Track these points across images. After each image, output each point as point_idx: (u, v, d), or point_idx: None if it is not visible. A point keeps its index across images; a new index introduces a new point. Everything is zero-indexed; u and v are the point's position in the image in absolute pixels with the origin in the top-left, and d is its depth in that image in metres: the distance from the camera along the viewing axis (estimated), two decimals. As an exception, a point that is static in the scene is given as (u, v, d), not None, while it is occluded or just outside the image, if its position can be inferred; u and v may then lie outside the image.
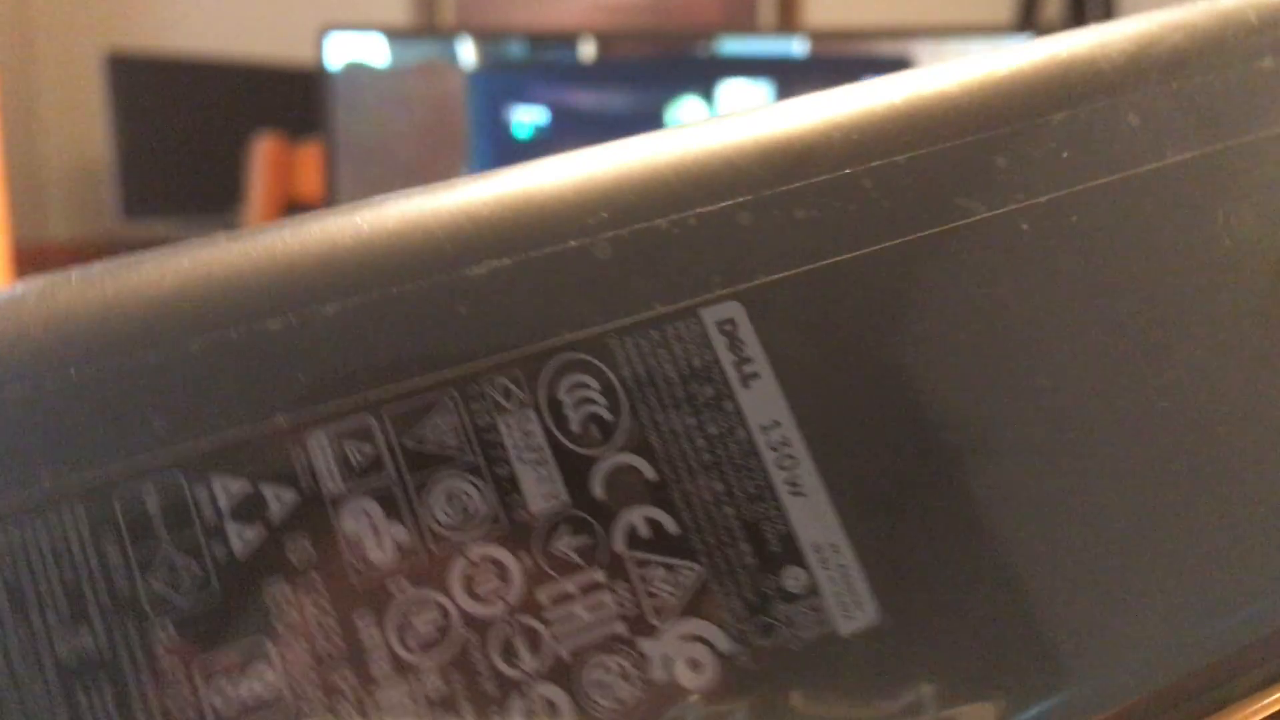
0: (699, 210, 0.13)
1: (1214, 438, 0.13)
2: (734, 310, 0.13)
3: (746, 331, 0.13)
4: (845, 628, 0.12)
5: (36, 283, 0.12)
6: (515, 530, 0.12)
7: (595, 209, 0.13)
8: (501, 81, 0.73)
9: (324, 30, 0.80)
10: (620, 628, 0.12)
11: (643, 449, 0.12)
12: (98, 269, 0.13)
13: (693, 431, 0.12)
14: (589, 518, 0.12)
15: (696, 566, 0.12)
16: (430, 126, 0.77)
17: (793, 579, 0.12)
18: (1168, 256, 0.14)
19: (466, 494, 0.12)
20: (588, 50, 0.69)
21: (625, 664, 0.12)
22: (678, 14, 2.04)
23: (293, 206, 1.17)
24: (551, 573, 0.12)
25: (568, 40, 0.70)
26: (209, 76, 2.14)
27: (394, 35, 0.81)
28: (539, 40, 0.70)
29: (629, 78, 0.68)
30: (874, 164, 0.13)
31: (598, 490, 0.12)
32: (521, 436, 0.12)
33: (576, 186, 0.13)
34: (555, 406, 0.12)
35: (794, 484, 0.12)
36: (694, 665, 0.12)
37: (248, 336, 0.12)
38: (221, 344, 0.11)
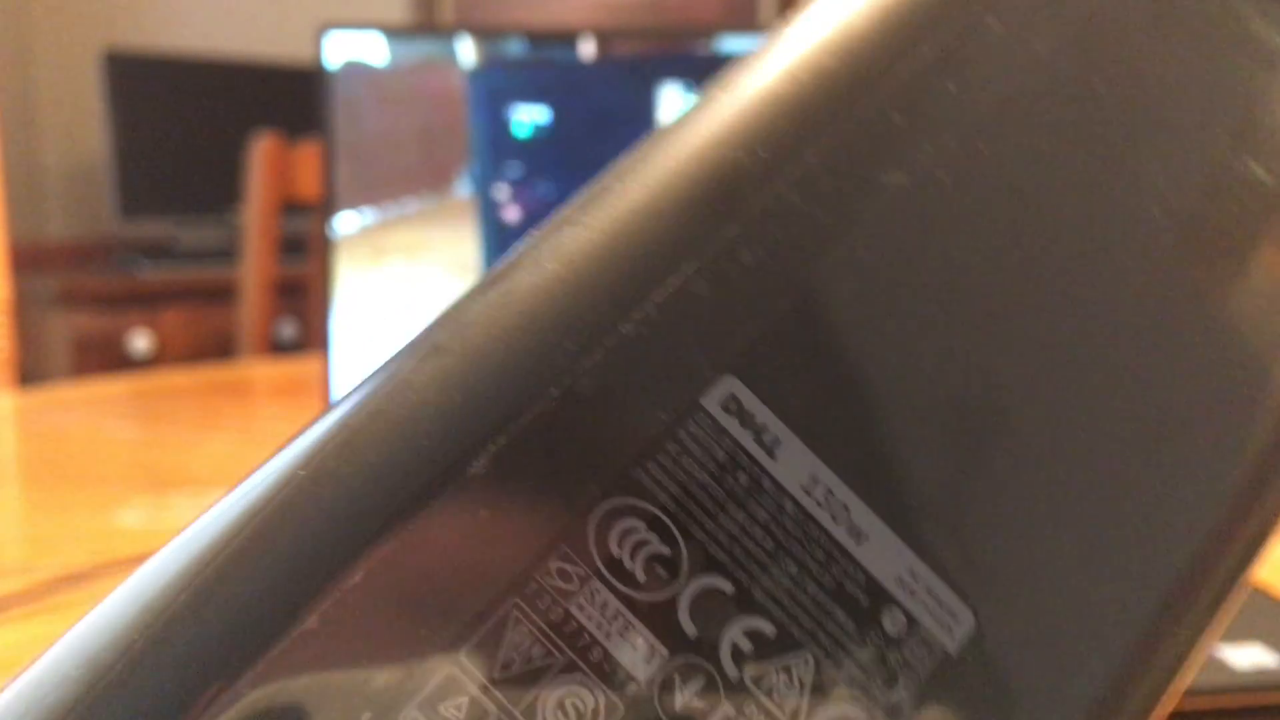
0: (656, 300, 0.13)
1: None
2: (731, 386, 0.13)
3: (751, 402, 0.13)
4: (953, 645, 0.12)
5: None
6: (633, 705, 0.12)
7: (559, 347, 0.12)
8: (501, 80, 0.73)
9: (322, 29, 0.80)
10: None
11: (712, 566, 0.12)
12: None
13: (748, 526, 0.12)
14: (694, 658, 0.12)
15: (806, 654, 0.12)
16: (430, 125, 0.77)
17: (891, 622, 0.12)
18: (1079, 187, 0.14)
19: (575, 695, 0.12)
20: (587, 48, 0.69)
21: None
22: (677, 12, 2.04)
23: (291, 206, 1.17)
24: None
25: (567, 38, 0.70)
26: (207, 75, 2.14)
27: (393, 34, 0.81)
28: (538, 38, 0.70)
29: (629, 76, 0.68)
30: (792, 174, 0.13)
31: (690, 628, 0.12)
32: (598, 612, 0.12)
33: (535, 330, 0.13)
34: (615, 565, 0.12)
35: (854, 530, 0.12)
36: None
37: None
38: None
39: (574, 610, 0.12)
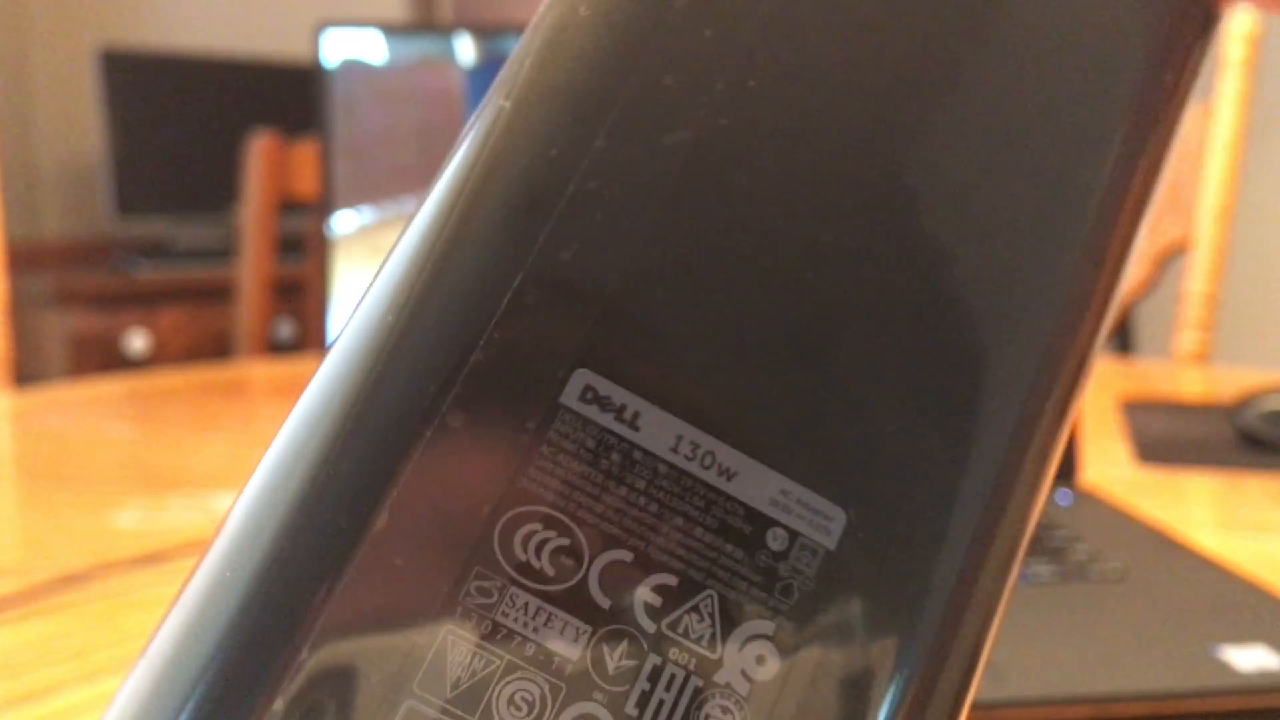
0: (494, 321, 0.14)
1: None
2: (584, 378, 0.14)
3: (605, 386, 0.14)
4: (832, 542, 0.14)
5: None
6: (574, 681, 0.13)
7: (422, 393, 0.13)
8: (500, 78, 0.73)
9: (320, 27, 0.80)
10: (697, 681, 0.13)
11: (609, 542, 0.13)
12: None
13: (631, 497, 0.14)
14: (614, 625, 0.13)
15: (709, 592, 0.14)
16: (428, 123, 0.77)
17: (775, 540, 0.14)
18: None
19: (522, 690, 0.13)
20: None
21: (721, 702, 0.13)
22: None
23: (289, 205, 1.17)
24: (621, 689, 0.13)
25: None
26: (204, 73, 2.14)
27: (391, 32, 0.81)
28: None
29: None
30: (584, 162, 0.14)
31: (603, 601, 0.13)
32: (521, 613, 0.13)
33: (395, 384, 0.13)
34: (525, 568, 0.13)
35: (724, 471, 0.14)
36: (760, 660, 0.14)
37: None
38: None
39: (500, 619, 0.13)
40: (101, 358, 1.89)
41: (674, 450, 0.14)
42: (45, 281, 1.92)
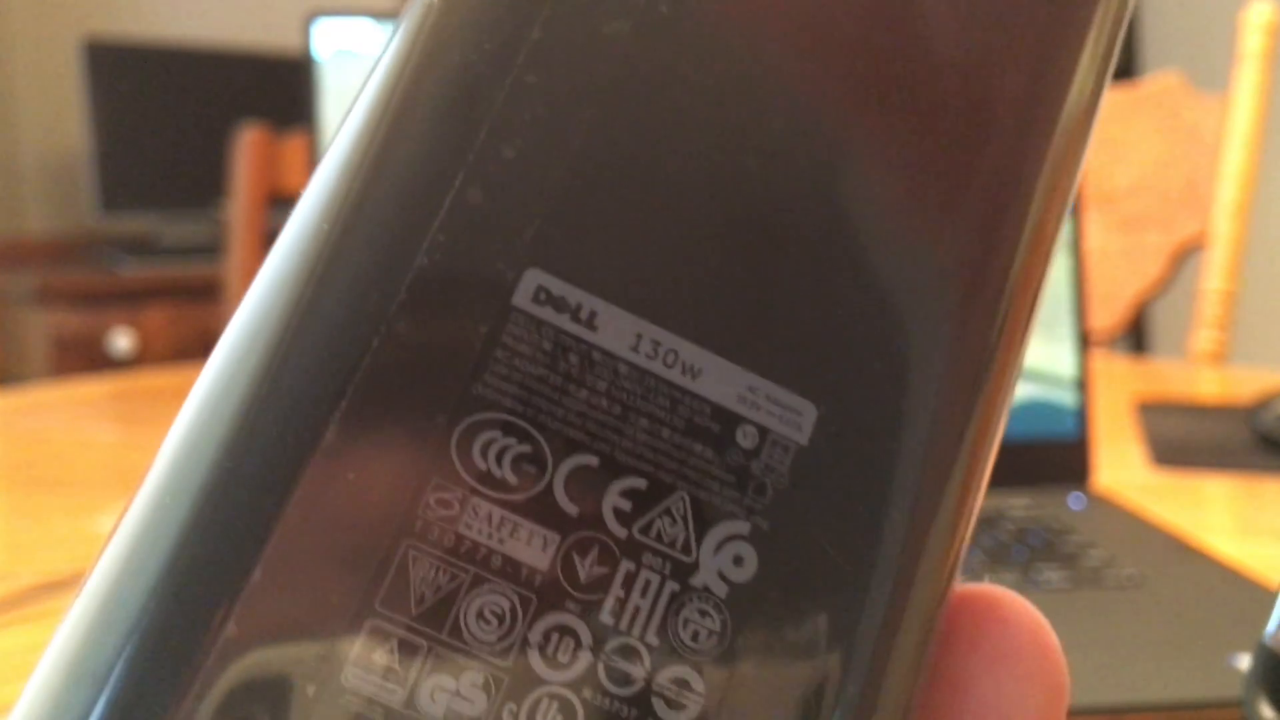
0: (437, 224, 0.13)
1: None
2: (536, 278, 0.13)
3: (558, 286, 0.14)
4: (804, 437, 0.14)
5: None
6: (544, 591, 0.13)
7: (366, 299, 0.13)
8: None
9: (310, 16, 0.80)
10: (673, 586, 0.13)
11: (572, 447, 0.13)
12: None
13: (592, 400, 0.13)
14: (583, 532, 0.13)
15: (680, 493, 0.14)
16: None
17: (745, 437, 0.14)
18: None
19: (491, 603, 0.13)
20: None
21: (699, 605, 0.13)
22: None
23: (278, 200, 1.17)
24: (596, 597, 0.13)
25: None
26: (191, 64, 2.14)
27: (383, 21, 0.81)
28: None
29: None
30: (520, 55, 0.14)
31: (570, 508, 0.13)
32: (484, 524, 0.13)
33: (337, 292, 0.13)
34: (486, 478, 0.13)
35: (688, 368, 0.14)
36: (738, 561, 0.14)
37: None
38: None
39: (463, 530, 0.13)
40: (85, 358, 1.89)
41: (634, 349, 0.14)
42: (27, 279, 1.92)
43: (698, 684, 0.13)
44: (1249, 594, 0.39)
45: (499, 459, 0.13)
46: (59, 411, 0.79)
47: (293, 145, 1.16)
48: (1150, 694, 0.31)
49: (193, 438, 0.13)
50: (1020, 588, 0.41)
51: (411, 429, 0.13)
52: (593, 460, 0.13)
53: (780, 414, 0.14)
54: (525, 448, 0.13)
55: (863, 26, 0.15)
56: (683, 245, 0.14)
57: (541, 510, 0.13)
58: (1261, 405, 0.65)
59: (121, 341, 1.94)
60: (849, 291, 0.14)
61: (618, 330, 0.14)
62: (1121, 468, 0.61)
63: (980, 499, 0.15)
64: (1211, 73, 1.21)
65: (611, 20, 0.14)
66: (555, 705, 0.13)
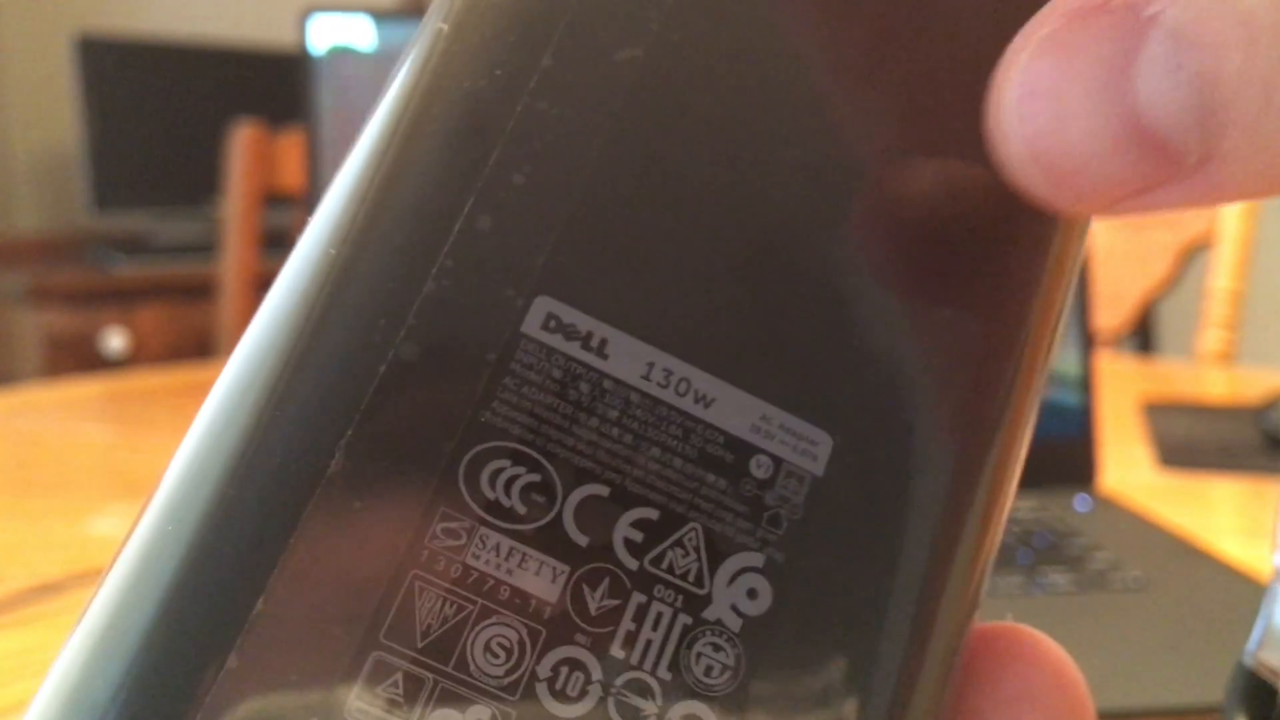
0: (445, 249, 0.13)
1: None
2: (545, 305, 0.13)
3: (568, 313, 0.13)
4: (819, 468, 0.14)
5: None
6: (553, 624, 0.13)
7: (371, 326, 0.13)
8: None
9: (307, 12, 0.80)
10: (685, 619, 0.13)
11: (582, 476, 0.13)
12: None
13: (603, 429, 0.13)
14: (593, 564, 0.13)
15: (693, 524, 0.14)
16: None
17: (758, 467, 0.14)
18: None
19: (499, 635, 0.13)
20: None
21: (713, 639, 0.13)
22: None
23: (273, 198, 1.17)
24: (607, 630, 0.13)
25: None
26: (185, 60, 2.14)
27: (380, 17, 0.81)
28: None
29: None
30: (531, 81, 0.14)
31: (580, 539, 0.13)
32: (493, 554, 0.13)
33: (342, 320, 0.13)
34: (494, 507, 0.13)
35: (700, 397, 0.14)
36: (752, 594, 0.14)
37: None
38: None
39: (470, 561, 0.13)
40: (78, 358, 1.89)
41: (646, 378, 0.14)
42: (19, 278, 1.92)
43: None
44: (1257, 597, 0.39)
45: (507, 488, 0.13)
46: (51, 412, 0.79)
47: (288, 142, 1.16)
48: (1157, 698, 0.31)
49: (197, 463, 0.13)
50: (1025, 591, 0.41)
51: (419, 457, 0.13)
52: (603, 490, 0.13)
53: (795, 444, 0.14)
54: (534, 477, 0.13)
55: (876, 54, 0.15)
56: (695, 273, 0.14)
57: (551, 541, 0.13)
58: (1270, 405, 0.65)
59: (115, 341, 1.94)
60: (865, 321, 0.14)
61: (629, 358, 0.14)
62: (1128, 469, 0.61)
63: (1000, 532, 0.15)
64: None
65: (624, 47, 0.14)
66: None
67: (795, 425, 0.14)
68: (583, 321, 0.13)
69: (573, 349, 0.13)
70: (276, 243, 1.40)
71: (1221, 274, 1.00)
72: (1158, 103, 0.12)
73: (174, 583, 0.12)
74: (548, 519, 0.13)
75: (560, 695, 0.13)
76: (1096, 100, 0.12)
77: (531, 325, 0.13)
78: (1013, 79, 0.12)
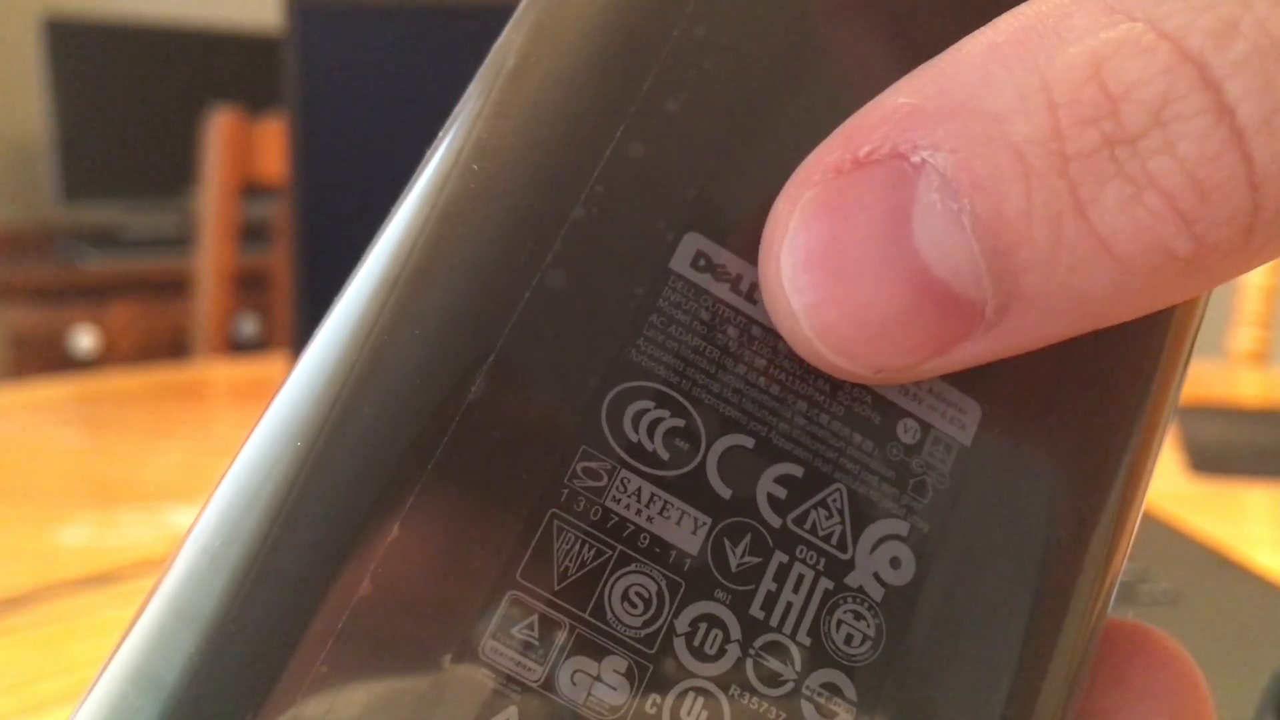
0: (595, 174, 0.13)
1: None
2: (695, 242, 0.13)
3: (718, 253, 0.13)
4: (967, 437, 0.14)
5: None
6: (692, 577, 0.13)
7: (517, 249, 0.13)
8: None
9: (287, -9, 0.80)
10: (827, 584, 0.13)
11: (728, 425, 0.13)
12: None
13: (750, 377, 0.13)
14: (736, 518, 0.13)
15: (838, 485, 0.14)
16: (404, 99, 0.77)
17: (906, 432, 0.14)
18: None
19: (637, 584, 0.13)
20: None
21: (854, 607, 0.13)
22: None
23: (252, 189, 1.17)
24: (748, 588, 0.13)
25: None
26: (159, 44, 2.14)
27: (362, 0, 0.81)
28: (515, 7, 0.70)
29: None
30: (689, 5, 0.14)
31: (723, 490, 0.13)
32: (633, 499, 0.13)
33: (489, 238, 0.13)
34: (637, 450, 0.13)
35: None
36: (895, 563, 0.14)
37: None
38: None
39: (611, 505, 0.13)
40: (45, 358, 1.89)
41: None
42: (-17, 273, 1.92)
43: (849, 691, 0.13)
44: (1293, 610, 0.39)
45: (650, 431, 0.13)
46: (17, 415, 0.79)
47: (268, 129, 1.16)
48: (1187, 718, 0.31)
49: (321, 383, 0.13)
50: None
51: (562, 390, 0.13)
52: (748, 441, 0.13)
53: (944, 410, 0.14)
54: (679, 421, 0.13)
55: None
56: None
57: (693, 490, 0.13)
58: (1306, 408, 0.65)
59: (84, 340, 1.94)
60: None
61: None
62: (1158, 475, 0.61)
63: (1138, 521, 0.15)
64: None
65: None
66: (701, 701, 0.13)
67: (944, 391, 0.14)
68: (733, 263, 0.13)
69: (721, 290, 0.13)
70: (255, 235, 1.40)
71: (1254, 270, 1.00)
72: (943, 254, 0.11)
73: (294, 506, 0.12)
74: (690, 466, 0.13)
75: (698, 652, 0.13)
76: (877, 261, 0.12)
77: (680, 262, 0.13)
78: (783, 251, 0.12)
